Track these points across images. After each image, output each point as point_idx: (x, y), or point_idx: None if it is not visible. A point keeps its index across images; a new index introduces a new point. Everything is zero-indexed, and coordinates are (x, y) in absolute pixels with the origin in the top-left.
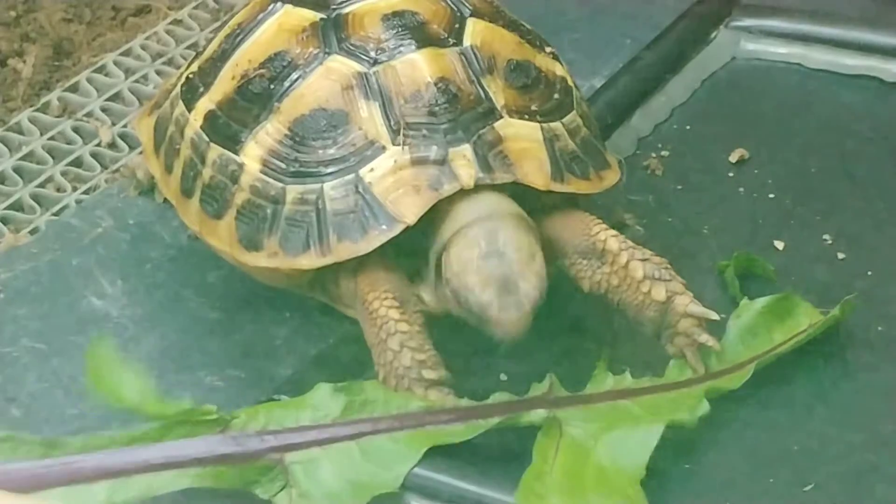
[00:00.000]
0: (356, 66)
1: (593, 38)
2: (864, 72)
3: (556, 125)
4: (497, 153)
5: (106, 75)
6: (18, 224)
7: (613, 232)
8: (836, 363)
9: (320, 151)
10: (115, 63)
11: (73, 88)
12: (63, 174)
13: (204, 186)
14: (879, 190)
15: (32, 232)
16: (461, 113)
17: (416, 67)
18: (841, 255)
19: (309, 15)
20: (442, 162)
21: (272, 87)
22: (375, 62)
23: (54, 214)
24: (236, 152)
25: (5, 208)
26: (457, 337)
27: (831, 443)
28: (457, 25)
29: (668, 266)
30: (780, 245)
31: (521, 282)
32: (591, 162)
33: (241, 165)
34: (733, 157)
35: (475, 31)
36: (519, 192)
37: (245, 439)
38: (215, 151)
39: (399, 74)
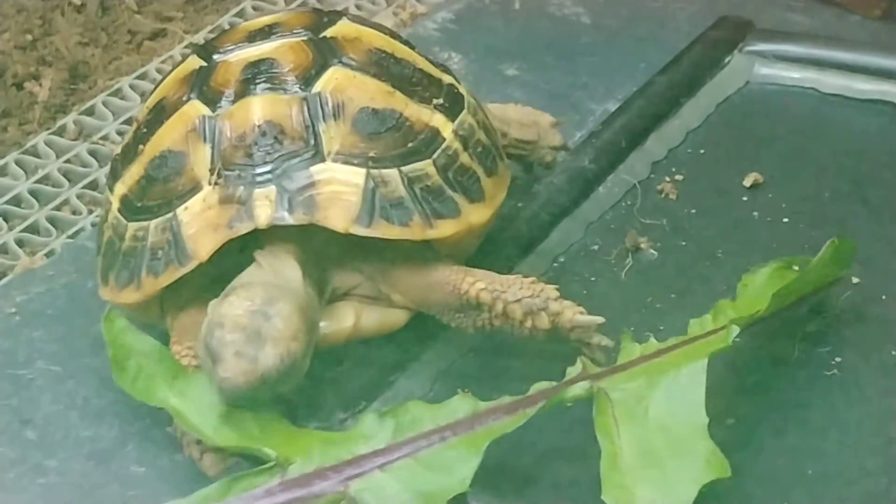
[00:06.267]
0: (203, 110)
1: (608, 61)
2: (878, 96)
3: (391, 172)
4: (306, 196)
5: (122, 98)
6: (34, 247)
7: (481, 283)
8: (852, 387)
9: (159, 191)
10: (131, 86)
11: (89, 112)
12: (79, 197)
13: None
14: (893, 214)
15: (48, 255)
16: (279, 156)
17: (249, 110)
18: (855, 280)
19: (195, 64)
20: (244, 202)
21: (145, 131)
22: (220, 107)
23: (70, 237)
24: (112, 192)
25: (21, 231)
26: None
27: (846, 467)
28: (313, 73)
29: (540, 286)
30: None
31: (269, 345)
32: (421, 210)
33: (110, 204)
34: (747, 182)
35: (330, 79)
36: (358, 242)
37: (306, 480)
38: (105, 193)
39: (233, 117)
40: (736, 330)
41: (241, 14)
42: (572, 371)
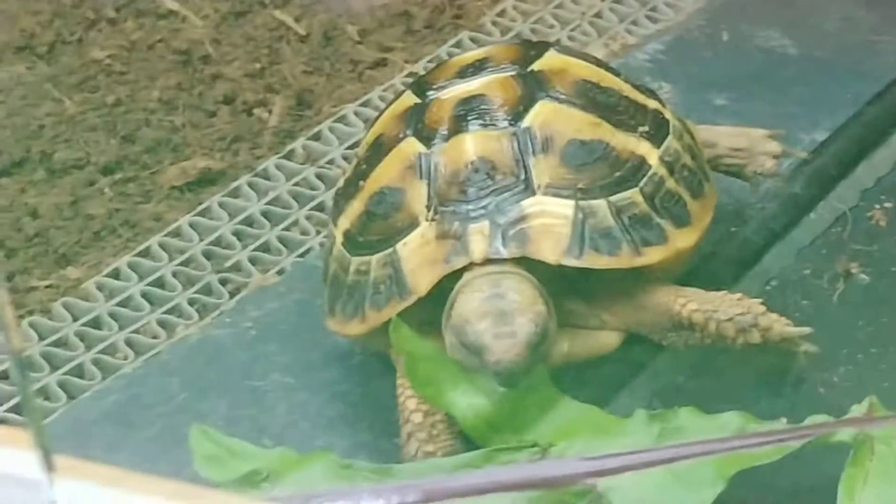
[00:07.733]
0: (419, 148)
1: (815, 92)
2: None
3: (599, 203)
4: (518, 230)
5: (346, 125)
6: (266, 265)
7: (693, 304)
8: None
9: (379, 226)
10: (355, 113)
11: (316, 137)
12: (307, 218)
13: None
14: None
15: (279, 272)
16: (492, 191)
17: (462, 148)
18: None
19: (410, 101)
20: (459, 237)
21: (365, 167)
22: (434, 143)
23: (299, 256)
24: (336, 225)
25: (254, 249)
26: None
27: None
28: (522, 108)
29: (748, 303)
30: None
31: (518, 316)
32: (629, 238)
33: (334, 239)
34: None
35: (538, 113)
36: (569, 270)
37: (563, 465)
38: (329, 226)
39: (447, 154)
40: None
41: (458, 45)
42: (857, 409)
